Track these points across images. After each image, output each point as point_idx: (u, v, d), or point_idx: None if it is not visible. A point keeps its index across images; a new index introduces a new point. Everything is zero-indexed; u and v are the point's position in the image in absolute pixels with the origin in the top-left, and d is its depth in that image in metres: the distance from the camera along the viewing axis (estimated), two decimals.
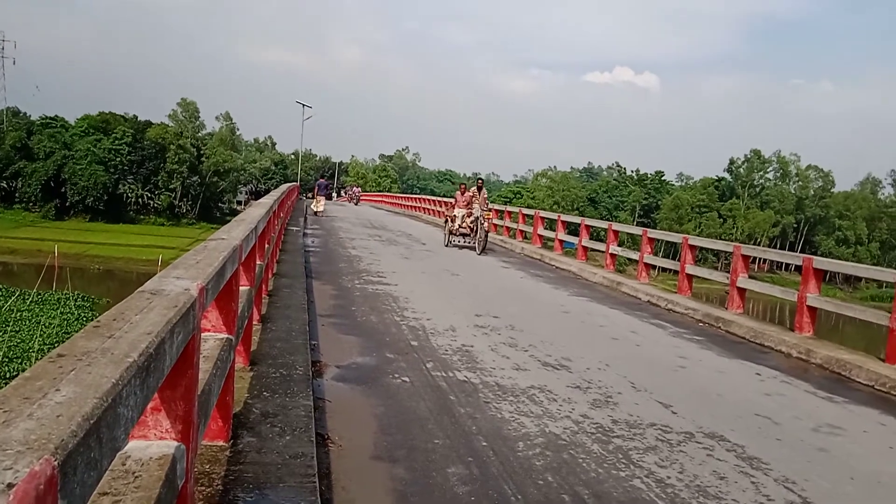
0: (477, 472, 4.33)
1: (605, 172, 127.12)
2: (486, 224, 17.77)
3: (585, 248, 17.64)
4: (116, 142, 77.33)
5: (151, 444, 2.18)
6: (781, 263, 76.32)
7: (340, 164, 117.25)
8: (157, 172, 79.72)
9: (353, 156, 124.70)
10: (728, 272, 11.88)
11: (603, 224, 18.06)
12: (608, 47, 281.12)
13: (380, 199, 56.48)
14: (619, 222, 53.82)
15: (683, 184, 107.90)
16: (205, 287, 2.55)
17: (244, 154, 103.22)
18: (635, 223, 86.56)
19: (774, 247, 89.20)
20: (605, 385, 6.49)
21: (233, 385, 4.06)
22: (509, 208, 26.18)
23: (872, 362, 8.00)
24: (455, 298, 10.84)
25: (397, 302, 9.96)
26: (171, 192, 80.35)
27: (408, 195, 50.29)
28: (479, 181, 19.08)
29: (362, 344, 7.47)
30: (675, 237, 16.14)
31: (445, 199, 31.65)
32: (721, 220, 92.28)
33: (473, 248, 18.06)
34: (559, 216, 20.14)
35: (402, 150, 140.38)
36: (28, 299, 30.84)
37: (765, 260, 72.56)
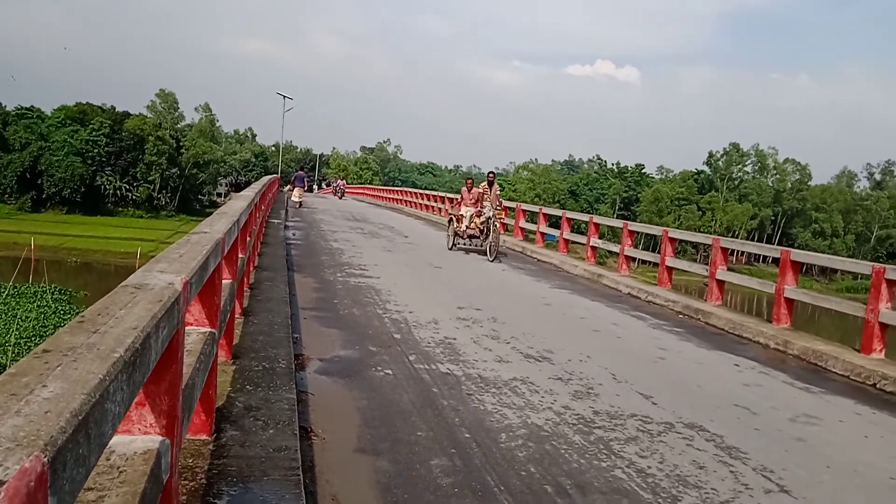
0: (460, 463, 4.36)
1: (585, 165, 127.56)
2: (498, 225, 15.58)
3: (567, 241, 17.73)
4: (94, 133, 76.24)
5: (136, 439, 2.18)
6: (759, 255, 77.26)
7: (321, 156, 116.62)
8: (135, 164, 78.77)
9: (334, 148, 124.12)
10: (707, 264, 12.01)
11: (584, 217, 18.15)
12: (589, 40, 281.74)
13: (366, 192, 55.73)
14: (600, 215, 54.18)
15: (663, 177, 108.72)
16: (189, 281, 2.54)
17: (224, 146, 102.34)
18: (616, 216, 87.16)
19: (752, 239, 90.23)
20: (587, 377, 6.54)
21: (216, 379, 4.04)
22: (457, 196, 26.18)
23: (848, 353, 8.15)
24: (437, 291, 10.86)
25: (380, 295, 9.96)
26: (150, 184, 79.47)
27: (394, 188, 49.94)
28: (491, 175, 16.50)
29: (345, 337, 7.47)
30: (655, 230, 16.26)
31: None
32: (700, 212, 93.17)
33: (483, 253, 15.87)
34: (541, 209, 20.19)
35: (384, 142, 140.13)
36: (4, 292, 30.37)
37: (743, 252, 73.31)
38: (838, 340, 9.29)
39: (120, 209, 78.00)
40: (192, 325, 3.58)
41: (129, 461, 2.06)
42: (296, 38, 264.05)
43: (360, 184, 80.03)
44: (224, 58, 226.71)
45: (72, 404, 1.20)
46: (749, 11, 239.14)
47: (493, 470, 4.29)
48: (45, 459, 1.03)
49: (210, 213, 7.76)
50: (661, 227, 16.14)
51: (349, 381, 5.98)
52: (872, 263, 8.74)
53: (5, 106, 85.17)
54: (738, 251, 25.15)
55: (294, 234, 17.90)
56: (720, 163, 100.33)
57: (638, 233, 16.95)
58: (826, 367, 7.90)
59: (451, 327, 8.19)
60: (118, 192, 77.90)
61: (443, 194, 31.92)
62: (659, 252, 13.44)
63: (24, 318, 25.78)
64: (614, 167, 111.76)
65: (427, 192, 38.07)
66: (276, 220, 18.87)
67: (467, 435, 4.84)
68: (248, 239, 7.76)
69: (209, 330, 3.66)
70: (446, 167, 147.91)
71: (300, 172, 35.09)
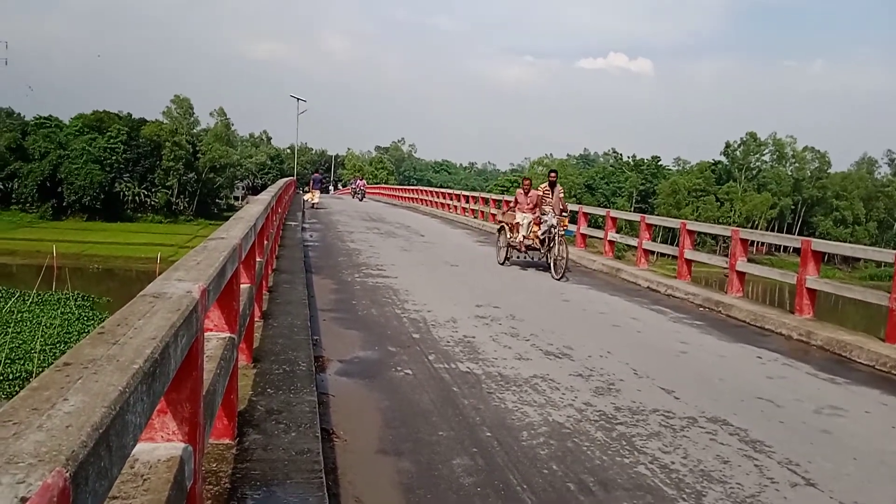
0: (482, 462, 4.35)
1: (601, 159, 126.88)
2: (563, 233, 12.95)
3: (584, 236, 17.64)
4: (111, 140, 77.08)
5: (159, 447, 2.19)
6: (780, 246, 76.43)
7: (336, 157, 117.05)
8: (153, 170, 79.57)
9: (349, 148, 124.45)
10: (727, 256, 11.90)
11: (601, 211, 18.05)
12: (601, 33, 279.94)
13: (382, 192, 54.93)
14: (617, 209, 53.80)
15: (680, 168, 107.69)
16: (206, 288, 2.55)
17: (240, 149, 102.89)
18: (633, 209, 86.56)
19: (772, 229, 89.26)
20: (608, 372, 6.51)
21: (237, 383, 4.07)
22: (506, 198, 26.12)
23: (873, 343, 8.03)
24: (455, 289, 10.85)
25: (398, 294, 9.97)
26: (168, 190, 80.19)
27: (409, 187, 49.78)
28: (553, 174, 14.25)
29: (364, 338, 7.49)
30: (673, 222, 16.15)
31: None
32: (718, 203, 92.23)
33: (545, 267, 13.24)
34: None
35: (398, 141, 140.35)
36: (28, 300, 30.82)
37: (763, 242, 72.67)
38: (863, 330, 9.17)
39: (139, 215, 78.79)
40: (211, 330, 3.60)
41: (152, 469, 2.07)
42: (308, 40, 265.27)
43: (376, 184, 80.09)
44: (237, 61, 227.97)
45: (92, 418, 1.21)
46: None
47: (515, 468, 4.28)
48: (68, 474, 1.04)
49: (228, 217, 7.82)
50: (679, 220, 16.02)
51: (369, 382, 6.00)
52: (895, 251, 8.61)
53: (24, 116, 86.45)
54: (758, 242, 24.88)
55: (311, 236, 17.99)
56: (737, 153, 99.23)
57: (656, 226, 16.83)
58: (850, 357, 7.79)
59: (469, 326, 8.18)
60: (137, 198, 78.68)
61: (458, 192, 31.73)
62: (677, 245, 13.34)
63: (48, 325, 26.16)
64: (630, 160, 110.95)
65: (441, 190, 38.10)
66: (293, 223, 18.95)
67: (488, 434, 4.83)
68: (265, 242, 7.80)
69: (229, 335, 3.68)
70: (461, 165, 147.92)
71: (316, 175, 35.42)
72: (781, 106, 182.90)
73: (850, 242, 65.05)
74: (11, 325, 25.86)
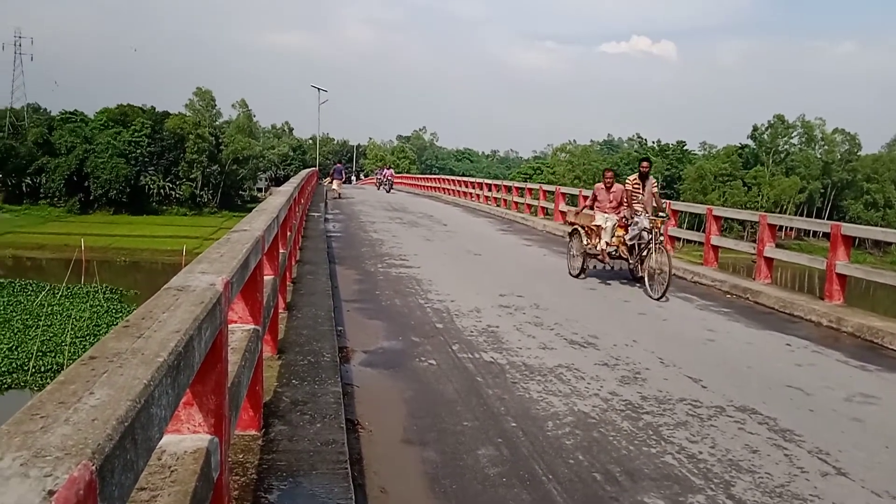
0: (507, 452, 4.34)
1: (625, 144, 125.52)
2: (662, 239, 10.30)
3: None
4: (136, 134, 77.95)
5: (185, 438, 2.21)
6: (809, 230, 75.20)
7: (358, 146, 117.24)
8: (177, 163, 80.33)
9: (370, 138, 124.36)
10: (754, 241, 11.73)
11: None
12: (623, 16, 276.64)
13: (404, 181, 53.34)
14: None
15: (706, 153, 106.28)
16: (229, 281, 2.56)
17: (262, 141, 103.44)
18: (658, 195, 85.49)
19: (801, 213, 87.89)
20: (633, 361, 6.46)
21: (262, 375, 4.09)
22: (529, 185, 25.98)
23: None
24: (478, 279, 10.83)
25: (421, 284, 9.98)
26: (192, 182, 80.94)
27: (430, 176, 49.64)
28: (644, 164, 11.65)
29: (388, 328, 7.50)
30: (699, 208, 15.95)
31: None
32: (746, 188, 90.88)
33: (636, 281, 10.82)
34: (580, 191, 19.98)
35: (420, 130, 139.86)
36: (58, 293, 31.36)
37: (791, 227, 71.59)
38: (894, 316, 8.99)
39: (164, 208, 79.67)
40: (235, 322, 3.62)
41: (179, 460, 2.09)
42: (328, 29, 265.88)
43: (399, 173, 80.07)
44: (258, 53, 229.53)
45: (118, 411, 1.21)
46: None
47: (540, 458, 4.26)
48: (94, 467, 1.04)
49: (251, 209, 7.86)
50: (706, 205, 15.83)
51: (393, 372, 6.01)
52: None
53: (50, 111, 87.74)
54: (786, 227, 24.59)
55: (334, 227, 18.06)
56: (765, 136, 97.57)
57: (682, 212, 16.64)
58: (882, 343, 7.65)
59: (493, 315, 8.16)
60: (162, 191, 79.54)
61: (480, 180, 31.56)
62: (704, 231, 13.17)
63: (78, 318, 26.61)
64: (655, 145, 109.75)
65: (462, 178, 38.11)
66: (315, 213, 19.05)
67: (513, 424, 4.82)
68: (288, 234, 7.84)
69: (253, 327, 3.70)
70: (483, 153, 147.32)
71: (338, 165, 35.74)
72: (810, 88, 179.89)
73: (881, 226, 63.89)
74: (42, 318, 26.35)
